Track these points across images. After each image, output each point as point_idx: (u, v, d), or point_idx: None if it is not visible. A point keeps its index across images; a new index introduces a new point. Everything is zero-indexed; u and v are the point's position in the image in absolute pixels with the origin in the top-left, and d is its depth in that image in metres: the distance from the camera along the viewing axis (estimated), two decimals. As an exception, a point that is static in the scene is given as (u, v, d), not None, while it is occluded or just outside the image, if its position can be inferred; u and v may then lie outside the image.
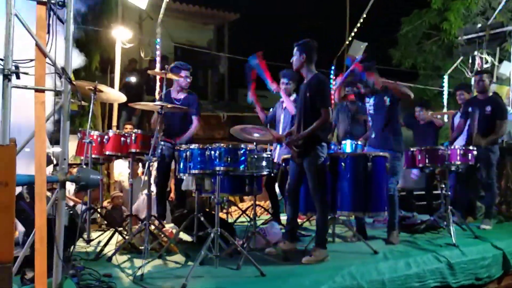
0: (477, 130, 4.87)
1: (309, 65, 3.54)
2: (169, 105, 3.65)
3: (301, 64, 3.52)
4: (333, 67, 9.15)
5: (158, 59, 6.77)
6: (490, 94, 5.01)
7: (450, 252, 3.77)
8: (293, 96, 4.72)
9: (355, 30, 8.61)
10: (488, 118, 4.85)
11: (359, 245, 3.89)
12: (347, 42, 8.73)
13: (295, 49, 3.53)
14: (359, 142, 4.55)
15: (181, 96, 4.62)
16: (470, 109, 5.04)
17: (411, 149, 4.49)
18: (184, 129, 4.56)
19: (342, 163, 3.66)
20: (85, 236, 3.96)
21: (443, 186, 4.41)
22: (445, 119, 8.26)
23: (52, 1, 2.42)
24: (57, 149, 3.91)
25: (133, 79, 8.81)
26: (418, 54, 12.07)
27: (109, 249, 3.58)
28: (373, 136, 4.14)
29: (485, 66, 7.53)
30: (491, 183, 4.89)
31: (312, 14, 13.22)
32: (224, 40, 12.73)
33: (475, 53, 7.34)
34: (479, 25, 7.85)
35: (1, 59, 2.31)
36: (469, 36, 7.20)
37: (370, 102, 4.16)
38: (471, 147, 4.46)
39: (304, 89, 3.58)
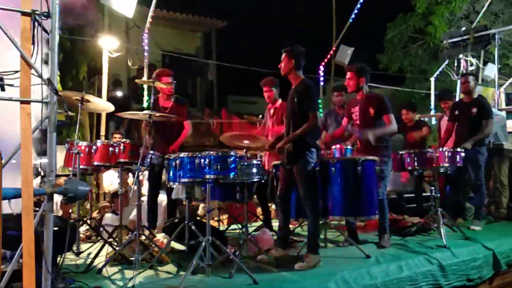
0: (465, 132, 4.93)
1: (297, 71, 3.55)
2: (157, 114, 3.64)
3: (289, 70, 3.53)
4: (321, 72, 9.22)
5: (146, 68, 6.74)
6: (475, 96, 5.07)
7: (441, 254, 3.80)
8: (279, 101, 4.74)
9: (342, 35, 8.69)
10: (475, 120, 4.92)
11: (351, 249, 3.89)
12: (334, 47, 8.80)
13: (284, 54, 3.54)
14: (348, 146, 4.56)
15: (169, 103, 4.59)
16: (457, 112, 5.11)
17: (400, 152, 4.52)
18: (175, 136, 4.53)
19: (332, 168, 3.67)
20: (74, 248, 3.89)
21: (433, 188, 4.44)
22: (433, 121, 8.37)
23: (37, 12, 2.40)
24: (44, 160, 3.87)
25: (119, 93, 8.79)
26: (404, 58, 12.25)
27: (100, 261, 3.53)
28: (358, 143, 4.15)
29: (470, 68, 7.65)
30: (480, 184, 4.94)
31: (299, 21, 13.33)
32: (212, 47, 12.75)
33: (460, 56, 7.45)
34: (463, 29, 7.99)
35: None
36: (454, 40, 7.32)
37: (355, 112, 4.17)
38: (458, 149, 4.51)
39: (292, 94, 3.59)
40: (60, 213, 5.48)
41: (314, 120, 3.42)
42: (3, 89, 2.49)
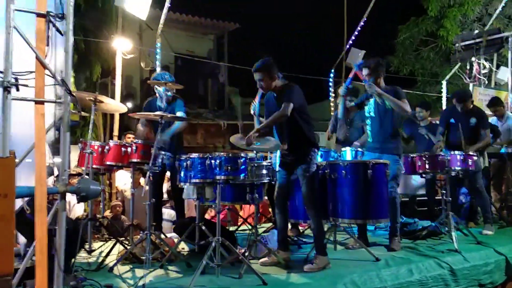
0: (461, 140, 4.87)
1: (277, 81, 3.51)
2: (169, 115, 3.67)
3: (269, 85, 3.49)
4: (331, 75, 9.19)
5: (158, 69, 6.80)
6: (471, 106, 5.03)
7: (452, 258, 3.76)
8: None
9: (353, 37, 8.66)
10: (473, 130, 4.90)
11: (360, 252, 3.88)
12: (345, 50, 8.78)
13: (259, 74, 3.46)
14: (359, 149, 4.55)
15: (165, 103, 4.55)
16: (452, 121, 5.03)
17: (411, 155, 4.49)
18: (172, 136, 4.49)
19: (343, 171, 3.66)
20: (86, 246, 3.95)
21: (444, 192, 4.40)
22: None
23: (52, 14, 2.45)
24: (58, 159, 3.92)
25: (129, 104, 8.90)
26: (416, 61, 12.16)
27: (111, 260, 3.58)
28: (370, 140, 4.13)
29: (483, 71, 7.56)
30: (479, 188, 4.90)
31: (311, 23, 13.32)
32: (224, 49, 12.81)
33: (473, 59, 7.38)
34: (476, 32, 7.90)
35: (1, 72, 2.33)
36: (467, 43, 7.24)
37: (369, 106, 4.16)
38: (470, 152, 4.46)
39: (278, 101, 3.51)
40: (73, 213, 5.56)
41: (285, 109, 3.32)
42: (17, 89, 2.54)
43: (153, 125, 4.43)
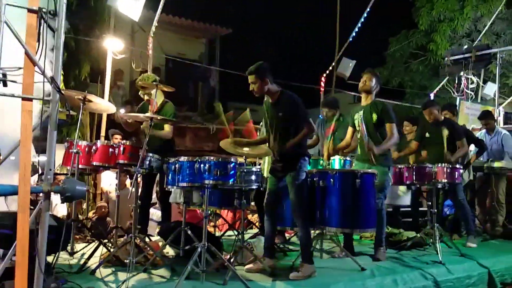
0: (439, 153, 4.90)
1: (270, 86, 3.50)
2: (159, 117, 3.64)
3: (262, 89, 3.48)
4: (322, 84, 9.26)
5: (149, 71, 6.75)
6: (442, 118, 5.08)
7: (437, 269, 3.78)
8: None
9: (344, 47, 8.75)
10: (448, 141, 4.86)
11: (346, 261, 3.87)
12: (336, 59, 8.85)
13: (253, 76, 3.46)
14: (348, 158, 4.57)
15: (156, 106, 4.50)
16: (427, 135, 5.07)
17: (399, 166, 4.53)
18: (162, 140, 4.46)
19: (331, 179, 3.66)
20: (68, 248, 3.87)
21: (430, 203, 4.44)
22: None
23: (44, 10, 2.41)
24: (43, 158, 3.85)
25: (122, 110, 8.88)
26: (405, 73, 12.36)
27: (93, 262, 3.51)
28: (360, 151, 4.15)
29: (470, 86, 7.71)
30: (461, 201, 4.93)
31: (303, 31, 13.43)
32: (215, 53, 12.81)
33: (461, 73, 7.51)
34: (466, 47, 8.07)
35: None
36: (456, 57, 7.38)
37: (358, 118, 4.19)
38: (457, 166, 4.52)
39: (275, 108, 3.53)
40: (55, 213, 5.46)
41: (310, 127, 3.44)
42: (5, 85, 2.49)
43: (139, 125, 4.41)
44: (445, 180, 4.35)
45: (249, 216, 6.26)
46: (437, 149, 4.82)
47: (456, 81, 7.64)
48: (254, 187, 3.60)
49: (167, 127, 4.36)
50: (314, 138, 5.21)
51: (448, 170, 4.38)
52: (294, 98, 3.50)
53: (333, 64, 8.97)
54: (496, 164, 5.61)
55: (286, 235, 4.95)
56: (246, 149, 4.21)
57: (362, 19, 8.22)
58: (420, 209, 5.74)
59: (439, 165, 4.39)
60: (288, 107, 3.46)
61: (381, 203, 3.98)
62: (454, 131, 4.96)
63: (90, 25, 7.78)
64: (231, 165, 3.25)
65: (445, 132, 4.77)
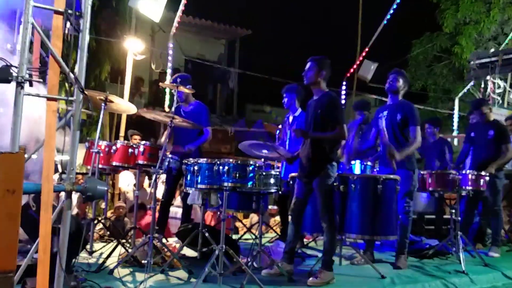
0: (483, 156, 4.80)
1: (323, 82, 3.52)
2: (179, 118, 3.64)
3: (315, 80, 3.49)
4: (343, 86, 9.17)
5: (169, 71, 6.80)
6: (492, 119, 4.96)
7: (459, 279, 3.67)
8: (299, 110, 4.68)
9: (366, 50, 8.63)
10: (491, 143, 4.80)
11: (366, 268, 3.80)
12: (358, 62, 8.74)
13: (312, 64, 3.48)
14: (368, 163, 4.48)
15: (190, 107, 4.59)
16: (472, 134, 4.98)
17: (421, 172, 4.42)
18: (191, 139, 4.50)
19: (352, 185, 3.60)
20: (87, 247, 3.91)
21: (453, 211, 4.32)
22: (455, 143, 8.20)
23: (69, 11, 2.43)
24: (63, 157, 3.89)
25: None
26: (429, 77, 12.12)
27: (111, 262, 3.53)
28: (383, 155, 4.06)
29: (497, 91, 7.50)
30: (497, 210, 4.80)
31: (324, 33, 13.32)
32: (235, 55, 12.82)
33: (487, 77, 7.31)
34: (492, 50, 7.85)
35: (15, 67, 2.31)
36: (482, 61, 7.19)
37: (382, 117, 4.10)
38: (483, 173, 4.39)
39: (314, 105, 3.54)
40: (75, 211, 5.54)
41: (342, 132, 3.39)
42: (31, 85, 2.52)
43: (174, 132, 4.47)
44: (470, 188, 4.23)
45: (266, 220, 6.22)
46: (480, 152, 4.71)
47: (482, 85, 7.44)
48: (272, 190, 3.57)
49: (206, 131, 4.50)
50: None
51: (473, 177, 4.25)
52: (336, 101, 3.50)
53: (355, 66, 8.87)
54: None
55: (304, 240, 4.89)
56: (264, 152, 4.18)
57: (385, 21, 8.09)
58: (444, 216, 5.60)
59: (464, 171, 4.27)
60: (327, 106, 3.43)
61: (408, 207, 3.89)
62: (501, 134, 4.81)
63: (111, 26, 7.89)
64: (250, 168, 3.22)
65: (490, 133, 4.66)
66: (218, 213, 5.49)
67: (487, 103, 5.13)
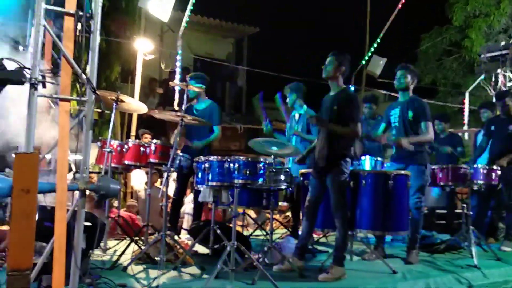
0: (499, 149, 4.76)
1: (340, 78, 3.52)
2: (189, 117, 3.67)
3: (335, 75, 3.49)
4: (352, 82, 9.13)
5: (178, 70, 6.84)
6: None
7: (472, 274, 3.66)
8: (304, 107, 4.69)
9: (375, 45, 8.58)
10: (510, 137, 4.74)
11: (377, 263, 3.81)
12: (366, 57, 8.70)
13: (334, 57, 3.49)
14: (379, 158, 4.48)
15: (202, 105, 4.65)
16: (492, 128, 4.95)
17: (433, 167, 4.40)
18: (201, 138, 4.55)
19: (363, 180, 3.60)
20: (102, 245, 3.97)
21: (465, 205, 4.30)
22: (466, 137, 8.12)
23: (80, 13, 2.48)
24: (76, 157, 3.96)
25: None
26: (438, 71, 11.99)
27: (125, 259, 3.58)
28: (394, 150, 4.06)
29: (508, 84, 7.40)
30: None
31: (332, 29, 13.27)
32: (243, 53, 12.85)
33: (498, 71, 7.22)
34: (503, 43, 7.74)
35: (29, 68, 2.36)
36: (493, 54, 7.10)
37: (394, 115, 4.10)
38: (494, 167, 4.36)
39: (330, 101, 3.54)
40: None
41: (356, 130, 3.39)
42: (44, 86, 2.57)
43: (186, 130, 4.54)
44: (481, 182, 4.20)
45: (276, 217, 6.25)
46: (497, 145, 4.68)
47: (493, 79, 7.35)
48: (283, 187, 3.59)
49: (216, 129, 4.54)
50: None
51: (485, 171, 4.22)
52: (353, 97, 3.52)
53: (363, 62, 8.83)
54: None
55: (315, 236, 4.90)
56: (274, 149, 4.20)
57: (393, 16, 8.03)
58: (456, 211, 5.56)
59: (475, 165, 4.24)
60: (344, 102, 3.43)
61: (420, 202, 3.87)
62: None
63: (121, 27, 7.95)
64: (261, 165, 3.25)
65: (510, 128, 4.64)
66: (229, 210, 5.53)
67: (511, 95, 5.06)
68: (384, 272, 3.55)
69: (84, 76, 2.48)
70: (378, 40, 8.37)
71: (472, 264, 3.82)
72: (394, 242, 5.00)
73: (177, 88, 7.16)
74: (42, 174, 3.31)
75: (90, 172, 4.81)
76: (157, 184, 6.53)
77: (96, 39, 2.55)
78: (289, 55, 12.42)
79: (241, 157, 3.28)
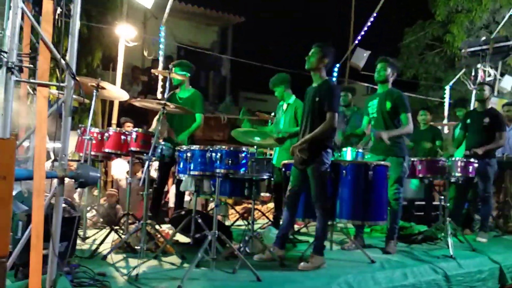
0: (475, 142, 4.87)
1: (323, 70, 3.53)
2: (172, 105, 3.64)
3: (318, 66, 3.49)
4: (335, 74, 9.18)
5: (161, 58, 6.75)
6: (489, 106, 5.01)
7: (447, 264, 3.75)
8: (293, 97, 4.69)
9: (359, 38, 8.63)
10: (486, 130, 4.86)
11: (356, 253, 3.87)
12: (350, 50, 8.74)
13: (318, 49, 3.48)
14: (360, 150, 4.53)
15: (185, 94, 4.61)
16: (468, 121, 5.05)
17: (412, 159, 4.48)
18: (184, 127, 4.53)
19: (344, 171, 3.64)
20: (81, 233, 3.92)
21: (442, 197, 4.39)
22: (445, 131, 8.28)
23: (60, -4, 2.41)
24: (55, 144, 3.88)
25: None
26: (420, 65, 12.16)
27: (105, 248, 3.55)
28: (373, 142, 4.11)
29: (487, 79, 7.56)
30: (487, 197, 4.88)
31: (316, 21, 13.27)
32: (227, 42, 12.75)
33: (478, 65, 7.37)
34: (483, 38, 7.87)
35: (5, 52, 2.29)
36: (473, 49, 7.23)
37: (372, 106, 4.15)
38: (472, 160, 4.46)
39: (312, 92, 3.55)
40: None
41: (332, 121, 3.39)
42: (21, 71, 2.51)
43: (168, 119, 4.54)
44: (459, 174, 4.29)
45: (259, 207, 6.28)
46: (473, 138, 4.77)
47: (473, 74, 7.50)
48: (265, 177, 3.60)
49: (198, 118, 4.52)
50: None
51: (462, 164, 4.32)
52: (335, 89, 3.51)
53: (347, 54, 8.87)
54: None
55: (296, 226, 4.95)
56: (257, 139, 4.20)
57: (377, 9, 8.07)
58: (434, 203, 5.69)
59: (453, 158, 4.33)
60: (325, 94, 3.44)
61: (398, 193, 3.95)
62: (497, 121, 4.87)
63: (102, 12, 7.77)
64: (243, 155, 3.24)
65: (485, 120, 4.72)
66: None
67: (490, 87, 5.18)
68: (363, 261, 3.61)
69: (63, 61, 2.42)
70: (363, 33, 8.40)
71: (448, 254, 3.91)
72: (373, 233, 5.09)
73: (160, 77, 7.06)
74: (19, 162, 3.25)
75: (69, 160, 4.76)
76: (139, 174, 6.47)
77: (76, 23, 2.49)
78: (273, 45, 12.37)
79: (224, 147, 3.26)
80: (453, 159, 4.35)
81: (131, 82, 9.69)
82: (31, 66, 2.43)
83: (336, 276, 3.15)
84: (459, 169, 4.28)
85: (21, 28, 2.61)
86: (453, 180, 4.36)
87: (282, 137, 4.19)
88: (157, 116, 3.70)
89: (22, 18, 2.53)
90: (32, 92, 3.67)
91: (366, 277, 3.24)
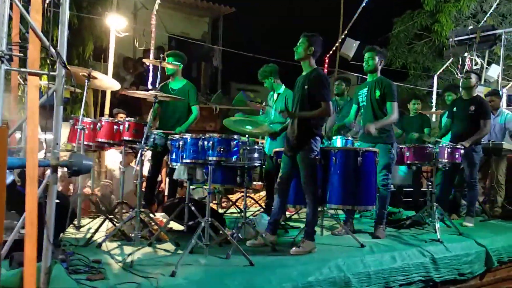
0: (461, 129, 4.96)
1: (312, 59, 3.58)
2: (163, 94, 3.66)
3: (306, 56, 3.54)
4: (326, 64, 9.21)
5: (152, 48, 6.73)
6: (475, 94, 5.10)
7: (435, 247, 3.85)
8: (282, 87, 4.74)
9: (349, 28, 8.65)
10: (472, 118, 4.94)
11: (346, 238, 3.96)
12: (340, 40, 8.77)
13: (304, 39, 3.54)
14: (349, 138, 4.60)
15: (178, 84, 4.64)
16: (454, 109, 5.14)
17: (400, 146, 4.56)
18: (178, 118, 4.57)
19: (333, 157, 3.71)
20: (75, 222, 3.95)
21: (430, 183, 4.48)
22: (433, 119, 8.39)
23: (49, -15, 2.41)
24: (47, 136, 3.89)
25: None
26: (409, 54, 12.24)
27: (99, 236, 3.59)
28: (361, 130, 4.18)
29: (474, 67, 7.65)
30: (473, 182, 4.98)
31: (306, 11, 13.26)
32: (218, 33, 12.69)
33: (465, 54, 7.46)
34: (471, 27, 7.96)
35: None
36: (460, 38, 7.31)
37: (361, 95, 4.22)
38: (458, 146, 4.55)
39: (302, 80, 3.60)
40: (59, 188, 5.53)
41: (328, 109, 3.47)
42: (11, 60, 2.51)
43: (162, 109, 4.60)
44: (446, 160, 4.38)
45: (251, 195, 6.33)
46: (459, 126, 4.84)
47: (460, 62, 7.59)
48: (256, 164, 3.65)
49: (195, 110, 4.60)
50: None
51: (449, 150, 4.41)
52: (323, 77, 3.56)
53: (337, 44, 8.90)
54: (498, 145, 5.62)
55: (287, 213, 5.03)
56: (248, 128, 4.24)
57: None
58: (422, 189, 5.80)
59: (440, 145, 4.42)
60: (314, 82, 3.50)
61: (387, 179, 4.03)
62: (482, 109, 4.94)
63: (92, 2, 7.71)
64: (234, 142, 3.29)
65: (471, 108, 4.78)
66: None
67: (477, 76, 5.26)
68: (353, 246, 3.70)
69: (53, 50, 2.42)
70: (352, 22, 8.43)
71: (435, 238, 4.01)
72: (362, 218, 5.19)
73: (151, 67, 7.04)
74: (12, 152, 3.26)
75: (63, 150, 4.76)
76: (132, 164, 6.48)
77: (66, 12, 2.49)
78: (264, 36, 12.37)
79: (215, 135, 3.30)
80: (440, 145, 4.43)
81: (123, 73, 9.67)
82: (21, 55, 2.43)
83: (326, 260, 3.23)
84: (446, 155, 4.37)
85: (10, 18, 2.61)
86: (440, 166, 4.45)
87: (275, 132, 4.27)
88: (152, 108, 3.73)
89: (11, 8, 2.53)
90: (22, 83, 3.67)
91: (356, 261, 3.33)
